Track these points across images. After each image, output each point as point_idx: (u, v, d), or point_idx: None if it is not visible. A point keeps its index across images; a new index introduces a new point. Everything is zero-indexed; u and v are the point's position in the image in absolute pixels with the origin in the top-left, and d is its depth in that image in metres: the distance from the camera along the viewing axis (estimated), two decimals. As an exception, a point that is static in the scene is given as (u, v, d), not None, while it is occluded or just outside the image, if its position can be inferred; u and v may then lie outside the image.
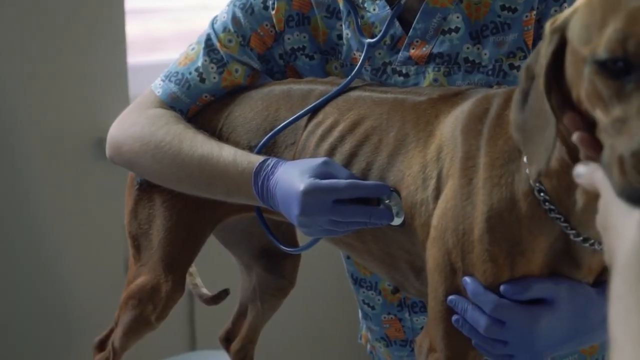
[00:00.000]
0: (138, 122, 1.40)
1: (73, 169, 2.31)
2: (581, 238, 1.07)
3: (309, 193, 1.19)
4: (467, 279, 1.12)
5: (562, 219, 1.07)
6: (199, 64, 1.40)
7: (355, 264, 1.45)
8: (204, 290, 1.64)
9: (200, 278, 1.64)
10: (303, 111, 1.32)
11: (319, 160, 1.23)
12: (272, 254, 1.58)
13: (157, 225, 1.42)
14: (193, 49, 1.42)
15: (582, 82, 0.89)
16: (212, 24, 1.43)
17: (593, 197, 1.03)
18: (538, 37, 1.30)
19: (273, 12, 1.38)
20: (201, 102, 1.41)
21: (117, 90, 2.25)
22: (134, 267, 1.46)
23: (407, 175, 1.19)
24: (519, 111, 1.00)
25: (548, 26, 0.97)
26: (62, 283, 2.35)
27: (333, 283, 2.71)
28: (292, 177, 1.22)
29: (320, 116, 1.31)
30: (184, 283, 1.45)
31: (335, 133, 1.28)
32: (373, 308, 1.45)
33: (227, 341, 1.69)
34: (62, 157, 2.30)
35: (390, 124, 1.24)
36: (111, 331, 1.53)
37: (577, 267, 1.11)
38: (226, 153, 1.30)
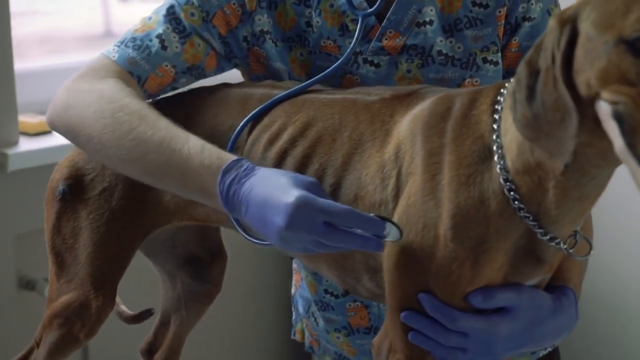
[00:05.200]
0: (95, 88, 1.26)
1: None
2: (548, 237, 1.10)
3: (301, 207, 1.07)
4: (423, 295, 1.13)
5: (530, 218, 1.08)
6: (161, 30, 1.32)
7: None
8: (123, 307, 1.59)
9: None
10: (254, 111, 1.28)
11: (309, 177, 1.14)
12: (198, 260, 1.54)
13: (83, 238, 1.36)
14: (150, 18, 1.34)
15: (597, 65, 0.95)
16: None
17: (567, 194, 1.06)
18: (504, 32, 1.33)
19: None
20: (161, 71, 1.32)
21: (3, 99, 2.13)
22: (56, 284, 1.40)
23: (364, 175, 1.18)
24: (526, 107, 1.01)
25: (554, 19, 1.00)
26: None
27: (257, 284, 2.71)
28: (278, 186, 1.10)
29: (265, 120, 1.28)
30: (114, 298, 1.39)
31: (285, 137, 1.25)
32: (337, 297, 1.43)
33: (149, 353, 1.65)
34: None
35: (343, 124, 1.22)
36: (29, 351, 1.46)
37: (539, 264, 1.13)
38: (193, 142, 1.18)
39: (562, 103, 0.98)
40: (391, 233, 1.09)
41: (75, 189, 1.37)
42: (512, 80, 1.11)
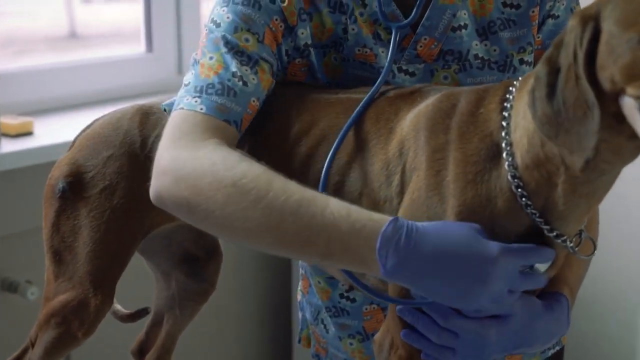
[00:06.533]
0: (200, 155, 1.14)
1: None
2: (554, 234, 1.11)
3: (503, 258, 1.05)
4: None
5: (537, 214, 1.10)
6: (234, 68, 1.23)
7: None
8: (118, 306, 1.59)
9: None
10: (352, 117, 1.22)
11: (472, 224, 1.09)
12: (194, 259, 1.54)
13: (83, 237, 1.35)
14: (212, 58, 1.25)
15: (621, 61, 0.97)
16: (214, 29, 1.27)
17: (576, 190, 1.08)
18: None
19: (284, 5, 1.27)
20: (251, 108, 1.23)
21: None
22: (53, 283, 1.39)
23: (369, 172, 1.19)
24: (547, 105, 1.03)
25: (575, 18, 1.02)
26: None
27: (251, 283, 2.73)
28: (462, 241, 1.06)
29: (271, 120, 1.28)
30: (113, 296, 1.39)
31: (291, 135, 1.25)
32: (354, 301, 1.42)
33: (140, 353, 1.64)
34: None
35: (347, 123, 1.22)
36: (23, 351, 1.45)
37: None
38: (335, 204, 1.08)
39: (584, 100, 1.00)
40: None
41: (75, 186, 1.36)
42: (520, 78, 1.14)
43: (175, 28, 2.59)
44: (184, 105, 1.22)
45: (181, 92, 1.25)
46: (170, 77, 2.59)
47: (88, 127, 1.44)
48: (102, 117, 1.44)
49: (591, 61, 1.01)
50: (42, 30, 2.55)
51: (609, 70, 0.99)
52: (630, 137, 1.00)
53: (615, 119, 1.00)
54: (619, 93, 0.99)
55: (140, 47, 2.59)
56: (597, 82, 1.00)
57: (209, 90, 1.22)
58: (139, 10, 2.59)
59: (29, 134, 2.14)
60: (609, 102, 1.00)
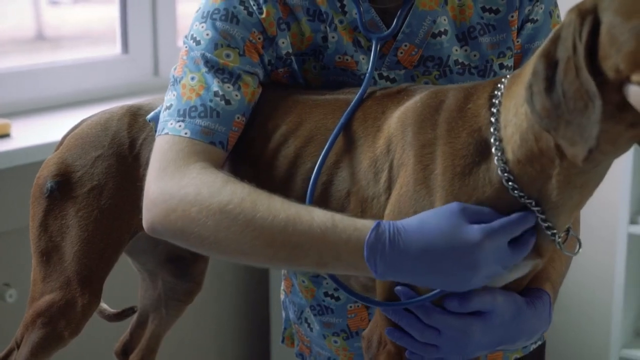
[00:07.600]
0: (186, 184, 1.17)
1: None
2: (546, 225, 1.12)
3: (486, 240, 1.08)
4: (399, 288, 1.15)
5: (533, 203, 1.11)
6: (215, 88, 1.25)
7: None
8: (105, 306, 1.58)
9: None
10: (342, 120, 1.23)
11: (454, 206, 1.10)
12: (181, 258, 1.55)
13: (71, 236, 1.36)
14: (193, 78, 1.26)
15: (625, 49, 0.99)
16: (194, 47, 1.28)
17: (570, 181, 1.10)
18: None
19: (262, 16, 1.28)
20: (236, 126, 1.25)
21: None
22: (40, 283, 1.39)
23: (357, 171, 1.20)
24: (546, 98, 1.04)
25: (573, 13, 1.04)
26: None
27: (235, 283, 2.73)
28: (444, 232, 1.08)
29: (256, 122, 1.28)
30: (100, 295, 1.39)
31: (277, 136, 1.26)
32: (338, 299, 1.42)
33: (124, 354, 1.64)
34: None
35: (335, 122, 1.23)
36: (8, 353, 1.45)
37: (534, 252, 1.15)
38: (319, 216, 1.12)
39: (585, 90, 1.01)
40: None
41: (63, 186, 1.37)
42: (508, 76, 1.15)
43: (151, 29, 2.58)
44: (169, 130, 1.24)
45: (164, 115, 1.26)
46: (146, 78, 2.58)
47: (76, 127, 1.44)
48: (91, 117, 1.44)
49: (590, 53, 1.02)
50: (8, 32, 2.53)
51: (612, 60, 1.01)
52: (629, 126, 1.02)
53: (617, 108, 1.01)
54: (623, 82, 1.00)
55: (116, 48, 2.59)
56: (596, 74, 1.02)
57: (192, 114, 1.23)
58: (107, 12, 2.58)
59: (6, 136, 2.12)
60: (611, 92, 1.01)
